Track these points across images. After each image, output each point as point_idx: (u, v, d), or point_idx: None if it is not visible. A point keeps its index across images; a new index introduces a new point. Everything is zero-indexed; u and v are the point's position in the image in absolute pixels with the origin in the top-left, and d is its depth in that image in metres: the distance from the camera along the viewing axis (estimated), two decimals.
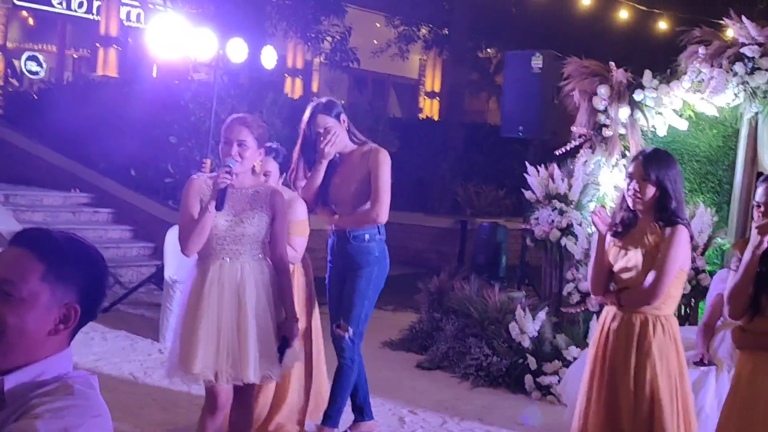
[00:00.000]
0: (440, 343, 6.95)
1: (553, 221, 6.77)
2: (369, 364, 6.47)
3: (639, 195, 3.66)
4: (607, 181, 6.71)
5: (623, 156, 6.68)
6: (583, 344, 6.19)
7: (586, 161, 6.79)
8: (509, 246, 8.39)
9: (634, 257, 3.67)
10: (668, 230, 3.62)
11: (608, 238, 3.80)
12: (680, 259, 3.64)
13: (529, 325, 6.39)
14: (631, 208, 3.71)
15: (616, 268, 3.75)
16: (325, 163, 4.74)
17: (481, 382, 6.37)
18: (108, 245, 9.82)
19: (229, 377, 3.83)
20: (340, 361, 4.84)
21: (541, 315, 6.43)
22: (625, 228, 3.74)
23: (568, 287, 6.56)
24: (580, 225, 6.63)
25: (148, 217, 10.15)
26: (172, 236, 7.37)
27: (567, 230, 6.68)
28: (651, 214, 3.69)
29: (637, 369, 3.61)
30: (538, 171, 6.97)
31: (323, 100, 4.87)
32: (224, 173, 3.76)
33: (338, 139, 4.73)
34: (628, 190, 3.71)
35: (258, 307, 3.87)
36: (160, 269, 8.22)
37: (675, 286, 3.69)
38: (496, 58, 18.72)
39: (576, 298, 6.50)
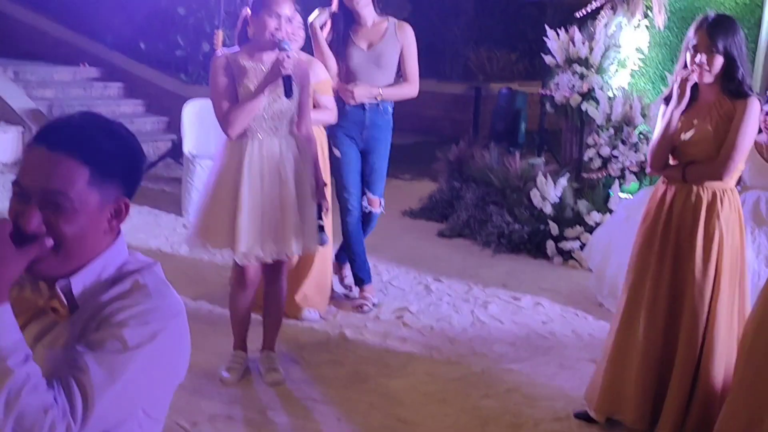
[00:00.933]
0: (461, 212, 6.99)
1: (573, 86, 6.67)
2: (390, 233, 6.59)
3: (707, 68, 3.47)
4: (629, 43, 6.58)
5: (645, 16, 6.53)
6: (604, 209, 6.22)
7: (607, 23, 6.63)
8: (527, 112, 8.28)
9: (702, 130, 3.53)
10: (740, 103, 3.47)
11: (662, 108, 3.65)
12: (753, 134, 3.53)
13: (550, 191, 6.40)
14: (698, 81, 3.51)
15: (683, 140, 3.58)
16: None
17: (503, 249, 6.44)
18: (121, 119, 9.68)
19: (272, 252, 3.87)
20: (364, 228, 5.08)
21: (562, 181, 6.44)
22: (690, 99, 3.55)
23: (589, 152, 6.54)
24: (602, 89, 6.54)
25: (160, 90, 10.03)
26: (189, 110, 7.31)
27: (588, 95, 6.59)
28: (718, 84, 3.52)
29: (705, 244, 3.51)
30: (558, 34, 6.82)
31: None
32: (284, 57, 3.67)
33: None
34: (693, 62, 3.50)
35: (297, 181, 3.88)
36: (177, 144, 8.21)
37: (744, 158, 3.59)
38: None
39: (597, 163, 6.49)
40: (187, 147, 7.20)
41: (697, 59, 3.47)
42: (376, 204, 5.07)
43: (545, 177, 6.48)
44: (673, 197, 3.60)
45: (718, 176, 3.51)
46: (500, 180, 6.77)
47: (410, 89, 5.01)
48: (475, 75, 12.97)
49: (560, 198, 6.42)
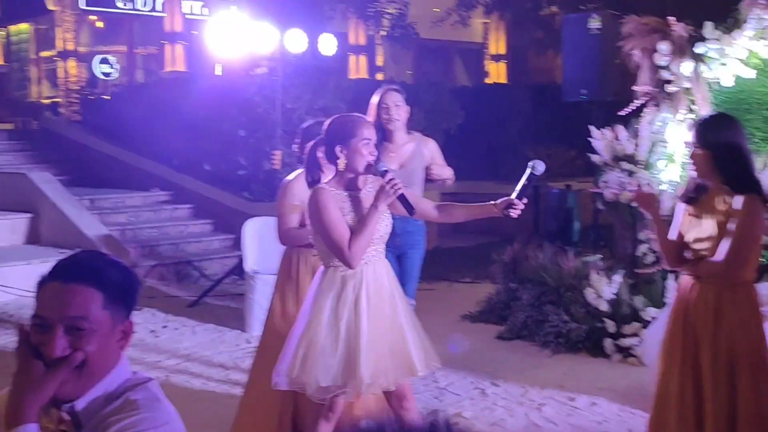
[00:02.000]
0: (518, 313, 7.02)
1: (622, 183, 6.73)
2: (449, 337, 6.64)
3: (692, 161, 3.61)
4: (674, 138, 6.64)
5: (690, 111, 6.60)
6: (660, 304, 6.18)
7: (652, 119, 6.73)
8: (580, 209, 8.35)
9: (709, 226, 3.57)
10: (738, 199, 3.50)
11: (679, 205, 3.74)
12: (755, 228, 3.53)
13: (605, 288, 6.40)
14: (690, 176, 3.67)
15: (689, 237, 3.64)
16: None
17: (561, 348, 6.43)
18: (190, 239, 10.16)
19: (396, 377, 3.80)
20: None
21: (617, 277, 6.44)
22: (699, 194, 3.63)
23: (643, 248, 6.54)
24: (649, 185, 6.58)
25: (226, 209, 10.44)
26: (250, 228, 7.59)
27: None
28: (719, 179, 3.57)
29: (716, 340, 3.53)
30: (603, 133, 6.94)
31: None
32: (392, 176, 3.72)
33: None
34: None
35: (401, 299, 3.90)
36: (242, 260, 8.48)
37: (753, 253, 3.60)
38: (559, 15, 18.43)
39: (651, 258, 6.48)
40: (249, 264, 7.45)
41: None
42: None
43: (599, 274, 6.50)
44: (689, 290, 3.66)
45: (724, 273, 3.53)
46: (554, 279, 6.80)
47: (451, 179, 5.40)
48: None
49: (616, 294, 6.41)
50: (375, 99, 5.12)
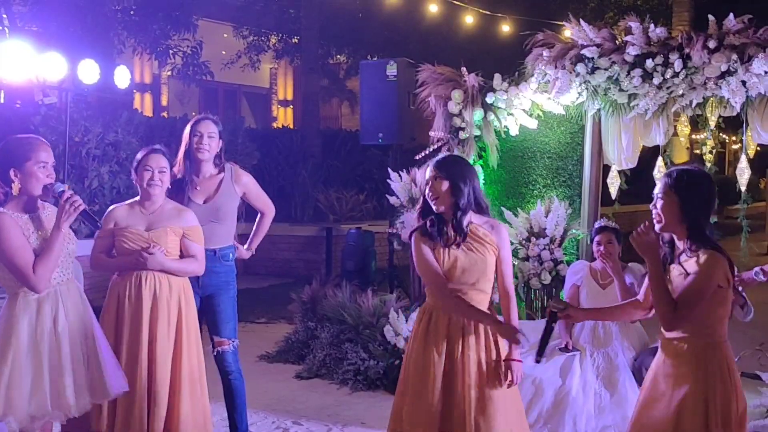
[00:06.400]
0: (317, 351, 7.04)
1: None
2: (248, 378, 6.50)
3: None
4: None
5: (480, 156, 6.97)
6: None
7: None
8: (376, 250, 8.57)
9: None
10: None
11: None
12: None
13: (402, 326, 6.57)
14: None
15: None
16: None
17: (360, 386, 6.51)
18: None
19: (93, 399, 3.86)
20: (231, 377, 5.03)
21: (413, 315, 6.62)
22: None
23: None
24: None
25: None
26: None
27: None
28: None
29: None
30: (400, 176, 7.18)
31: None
32: (71, 194, 3.79)
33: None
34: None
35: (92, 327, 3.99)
36: None
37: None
38: (346, 64, 18.95)
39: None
40: None
41: None
42: (226, 343, 5.01)
43: (397, 312, 6.66)
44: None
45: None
46: (353, 317, 6.89)
47: (268, 219, 5.28)
48: (326, 216, 13.29)
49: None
50: (189, 127, 4.97)
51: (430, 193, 3.79)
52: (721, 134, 9.63)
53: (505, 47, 15.39)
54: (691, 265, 3.37)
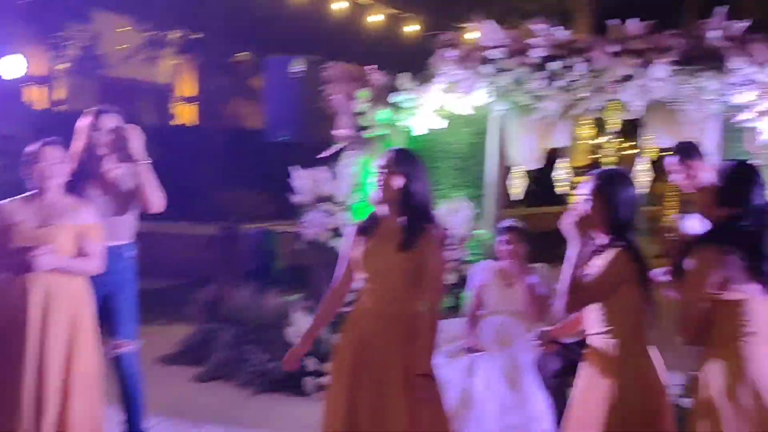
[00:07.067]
0: (218, 353, 6.86)
1: (323, 223, 6.87)
2: (145, 381, 6.29)
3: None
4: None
5: None
6: None
7: (350, 163, 6.95)
8: (279, 250, 8.43)
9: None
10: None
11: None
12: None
13: (305, 327, 6.44)
14: None
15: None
16: None
17: (262, 388, 6.36)
18: None
19: None
20: (129, 380, 4.87)
21: None
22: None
23: None
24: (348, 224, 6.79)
25: None
26: None
27: (338, 231, 6.81)
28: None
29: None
30: (304, 175, 7.06)
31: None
32: None
33: None
34: None
35: None
36: None
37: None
38: (250, 62, 18.72)
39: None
40: None
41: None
42: (124, 345, 4.83)
43: (300, 313, 6.54)
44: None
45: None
46: (255, 319, 6.75)
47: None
48: (227, 216, 13.01)
49: None
50: (88, 119, 4.74)
51: None
52: (620, 139, 9.87)
53: (412, 46, 15.45)
54: (602, 259, 3.47)
